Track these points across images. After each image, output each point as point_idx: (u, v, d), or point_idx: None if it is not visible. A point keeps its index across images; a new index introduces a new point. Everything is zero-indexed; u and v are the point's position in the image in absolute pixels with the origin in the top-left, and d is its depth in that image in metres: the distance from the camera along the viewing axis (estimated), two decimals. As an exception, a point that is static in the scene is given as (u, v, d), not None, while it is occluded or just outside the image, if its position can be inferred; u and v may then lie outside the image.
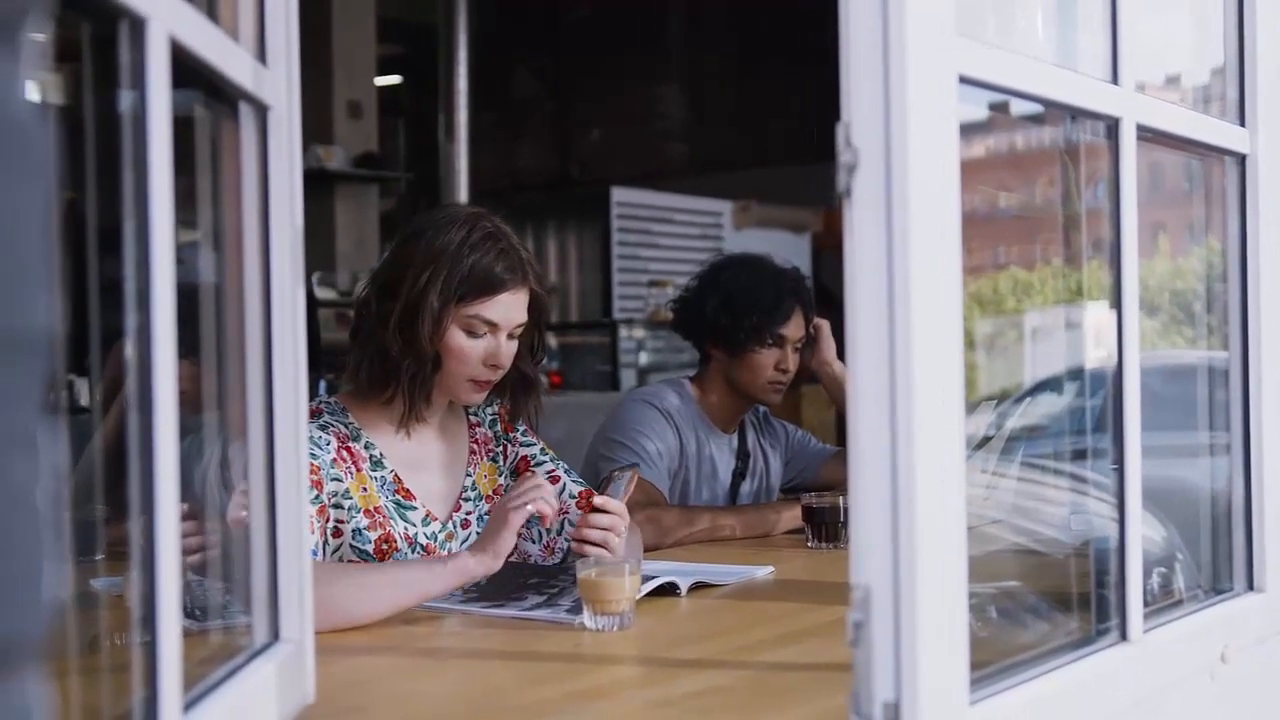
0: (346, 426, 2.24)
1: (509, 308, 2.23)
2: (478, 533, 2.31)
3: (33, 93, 0.63)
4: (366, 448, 2.24)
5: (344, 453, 2.20)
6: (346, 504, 2.17)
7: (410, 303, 2.18)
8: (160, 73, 1.01)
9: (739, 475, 3.14)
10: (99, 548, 1.46)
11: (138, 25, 0.99)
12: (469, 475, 2.37)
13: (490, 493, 2.38)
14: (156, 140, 1.01)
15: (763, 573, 2.36)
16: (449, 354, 2.21)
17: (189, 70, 1.11)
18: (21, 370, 0.57)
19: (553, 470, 2.41)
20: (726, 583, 2.26)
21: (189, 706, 1.09)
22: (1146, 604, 1.56)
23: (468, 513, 2.34)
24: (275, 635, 1.37)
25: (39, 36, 0.64)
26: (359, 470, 2.21)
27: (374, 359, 2.22)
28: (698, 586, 2.19)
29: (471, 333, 2.21)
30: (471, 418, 2.42)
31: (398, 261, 2.23)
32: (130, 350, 1.01)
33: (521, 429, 2.45)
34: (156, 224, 1.00)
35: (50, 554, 0.58)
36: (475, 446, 2.40)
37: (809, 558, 2.60)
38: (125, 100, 1.01)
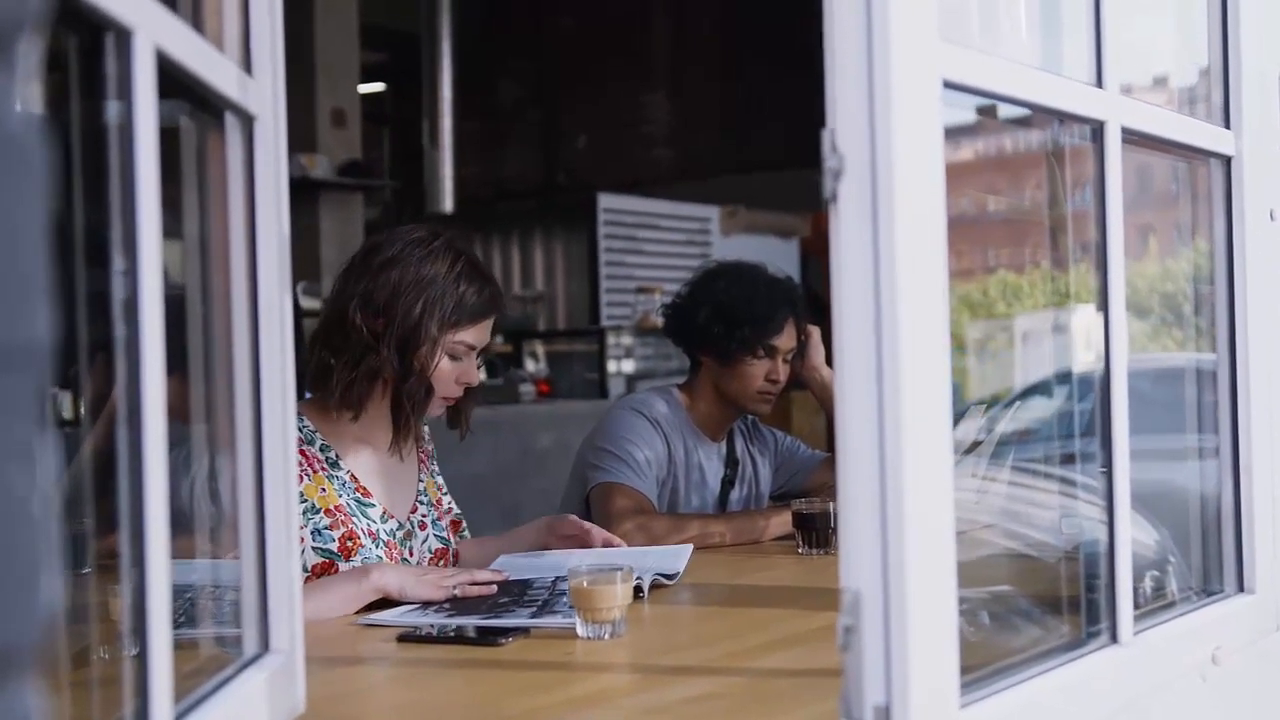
0: (300, 430, 2.28)
1: (487, 332, 2.36)
2: (435, 535, 2.44)
3: (28, 105, 0.63)
4: (322, 450, 2.30)
5: (298, 456, 2.23)
6: (302, 506, 2.21)
7: (406, 330, 2.26)
8: (147, 84, 1.01)
9: (728, 483, 3.14)
10: (87, 561, 1.45)
11: (124, 36, 0.99)
12: (420, 482, 2.47)
13: (434, 501, 2.49)
14: (144, 151, 1.00)
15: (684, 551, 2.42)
16: (433, 378, 2.30)
17: (173, 80, 1.11)
18: (20, 381, 0.57)
19: (452, 508, 2.55)
20: (671, 571, 2.27)
21: (179, 718, 1.08)
22: (1139, 607, 1.57)
23: (423, 515, 2.44)
24: (265, 646, 1.37)
25: (34, 48, 0.64)
26: (316, 472, 2.27)
27: (365, 380, 2.28)
28: (658, 586, 2.22)
29: (453, 356, 2.32)
30: None
31: (380, 285, 2.27)
32: (119, 362, 1.00)
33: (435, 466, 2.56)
34: (143, 235, 1.00)
35: (47, 564, 0.58)
36: (423, 457, 2.50)
37: (799, 563, 2.59)
38: (111, 110, 1.00)
